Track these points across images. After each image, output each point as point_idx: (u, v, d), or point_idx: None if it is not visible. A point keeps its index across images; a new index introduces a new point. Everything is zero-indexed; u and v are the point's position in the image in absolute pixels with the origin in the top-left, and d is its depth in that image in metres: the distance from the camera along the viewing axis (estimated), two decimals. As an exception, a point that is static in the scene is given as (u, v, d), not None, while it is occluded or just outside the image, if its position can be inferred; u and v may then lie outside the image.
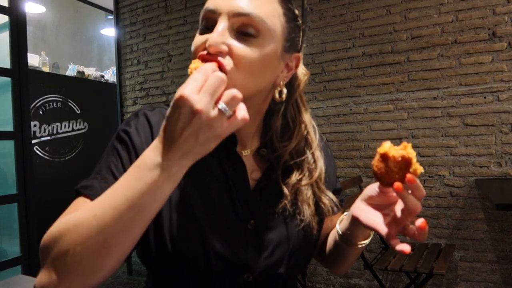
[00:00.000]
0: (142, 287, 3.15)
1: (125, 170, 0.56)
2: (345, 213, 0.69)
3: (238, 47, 0.57)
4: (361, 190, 2.55)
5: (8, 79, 2.12)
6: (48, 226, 0.56)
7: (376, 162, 0.52)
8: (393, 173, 0.51)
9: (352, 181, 2.48)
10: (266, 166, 0.69)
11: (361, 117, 2.62)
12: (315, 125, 0.72)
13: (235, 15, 0.58)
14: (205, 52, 0.57)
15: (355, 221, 0.60)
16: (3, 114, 2.16)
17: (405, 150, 0.50)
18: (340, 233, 0.67)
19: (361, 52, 2.62)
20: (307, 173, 0.68)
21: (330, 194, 0.70)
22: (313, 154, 0.69)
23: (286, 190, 0.67)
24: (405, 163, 0.50)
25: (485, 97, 2.31)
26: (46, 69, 3.74)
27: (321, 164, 0.69)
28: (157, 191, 0.46)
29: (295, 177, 0.67)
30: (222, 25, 0.58)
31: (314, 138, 0.70)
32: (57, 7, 4.79)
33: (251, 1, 0.59)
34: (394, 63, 2.53)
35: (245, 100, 0.59)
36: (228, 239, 0.62)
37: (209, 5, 0.60)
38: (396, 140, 2.50)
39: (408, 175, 0.50)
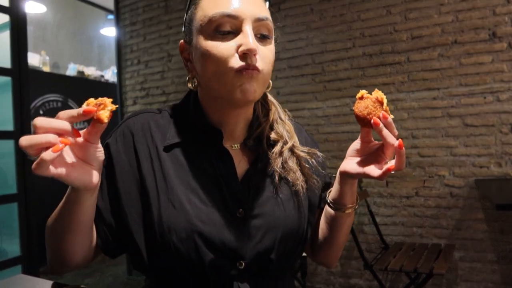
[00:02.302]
0: (142, 286, 3.15)
1: (105, 178, 0.68)
2: (331, 189, 0.75)
3: (263, 49, 0.65)
4: (361, 190, 2.55)
5: (8, 78, 2.12)
6: None
7: (356, 105, 0.64)
8: (371, 111, 0.61)
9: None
10: (253, 157, 0.73)
11: (361, 117, 2.62)
12: (279, 105, 0.81)
13: (256, 20, 0.63)
14: (240, 64, 0.61)
15: (343, 178, 0.68)
16: (3, 114, 2.16)
17: (377, 93, 0.63)
18: (331, 200, 0.72)
19: (361, 52, 2.63)
20: (285, 140, 0.75)
21: (306, 148, 0.76)
22: (284, 124, 0.77)
23: (274, 165, 0.72)
24: (379, 102, 0.62)
25: (485, 98, 2.31)
26: (46, 69, 3.74)
27: (293, 131, 0.77)
28: (67, 204, 0.59)
29: (279, 145, 0.73)
30: (249, 29, 0.62)
31: (282, 112, 0.79)
32: (58, 6, 4.79)
33: (262, 6, 0.66)
34: (394, 63, 2.53)
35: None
36: (217, 228, 0.64)
37: (225, 10, 0.62)
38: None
39: (383, 112, 0.60)
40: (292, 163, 0.73)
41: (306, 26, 2.78)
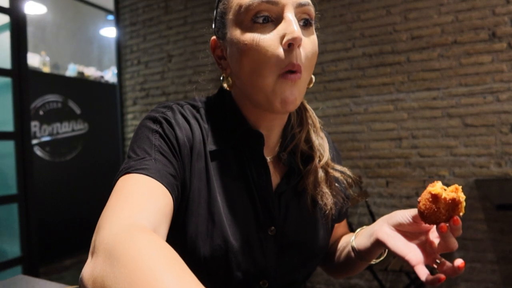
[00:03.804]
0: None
1: (173, 155, 0.57)
2: (361, 228, 0.70)
3: (307, 41, 0.58)
4: (361, 190, 2.55)
5: (8, 79, 2.12)
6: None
7: (424, 201, 0.53)
8: (440, 214, 0.51)
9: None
10: (284, 171, 0.67)
11: (361, 117, 2.62)
12: (313, 111, 0.74)
13: (298, 5, 0.57)
14: (284, 66, 0.55)
15: (378, 244, 0.60)
16: (3, 114, 2.16)
17: (457, 193, 0.51)
18: (357, 250, 0.67)
19: (361, 52, 2.63)
20: (320, 156, 0.68)
21: (339, 167, 0.71)
22: (318, 136, 0.71)
23: (306, 184, 0.66)
24: (454, 205, 0.51)
25: (485, 98, 2.31)
26: (46, 69, 3.74)
27: (327, 144, 0.71)
28: None
29: (314, 163, 0.67)
30: (292, 16, 0.55)
31: (316, 120, 0.72)
32: (58, 7, 4.79)
33: None
34: (394, 63, 2.53)
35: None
36: (249, 247, 0.61)
37: None
38: (396, 140, 2.50)
39: (455, 218, 0.51)
40: (323, 185, 0.67)
41: (306, 26, 2.78)
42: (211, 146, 0.62)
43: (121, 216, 0.44)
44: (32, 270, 2.12)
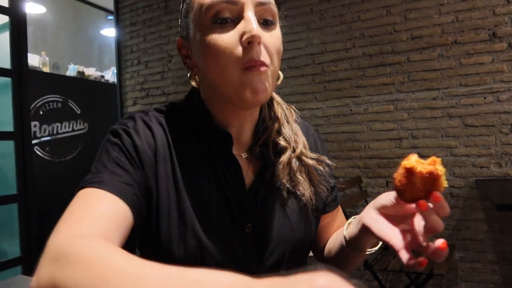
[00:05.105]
0: None
1: (131, 164, 0.58)
2: (353, 217, 0.67)
3: (268, 36, 0.58)
4: (361, 190, 2.55)
5: (8, 79, 2.12)
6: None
7: (399, 176, 0.48)
8: (417, 189, 0.47)
9: (352, 181, 2.48)
10: (259, 166, 0.67)
11: (361, 117, 2.62)
12: (286, 104, 0.74)
13: (258, 4, 0.57)
14: (245, 60, 0.55)
15: (365, 230, 0.58)
16: (3, 114, 2.16)
17: (434, 166, 0.46)
18: (348, 239, 0.64)
19: (361, 52, 2.63)
20: (293, 147, 0.68)
21: (315, 155, 0.70)
22: (291, 127, 0.70)
23: (281, 177, 0.65)
24: (432, 179, 0.46)
25: (485, 98, 2.31)
26: (46, 69, 3.74)
27: (301, 134, 0.71)
28: None
29: (287, 154, 0.67)
30: (252, 15, 0.56)
31: (289, 113, 0.72)
32: (58, 7, 4.79)
33: None
34: (394, 63, 2.53)
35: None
36: (226, 246, 0.61)
37: None
38: (396, 140, 2.50)
39: (435, 193, 0.46)
40: (300, 175, 0.67)
41: (306, 26, 2.78)
42: (179, 149, 0.62)
43: (67, 229, 0.46)
44: (32, 270, 2.12)
